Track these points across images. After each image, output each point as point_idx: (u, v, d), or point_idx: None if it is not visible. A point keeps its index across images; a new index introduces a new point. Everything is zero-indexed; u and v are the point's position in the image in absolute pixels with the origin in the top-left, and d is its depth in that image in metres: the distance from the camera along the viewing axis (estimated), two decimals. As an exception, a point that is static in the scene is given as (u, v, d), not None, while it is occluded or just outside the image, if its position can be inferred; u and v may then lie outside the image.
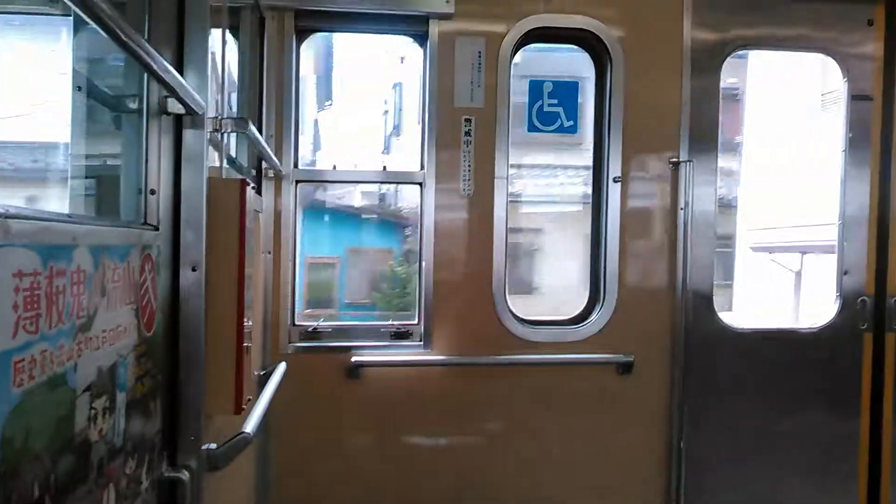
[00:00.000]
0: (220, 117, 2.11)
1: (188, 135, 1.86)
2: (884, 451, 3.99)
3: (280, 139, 3.50)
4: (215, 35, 2.18)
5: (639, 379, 3.76)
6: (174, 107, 1.76)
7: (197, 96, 1.77)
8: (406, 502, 3.67)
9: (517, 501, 3.74)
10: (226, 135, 2.24)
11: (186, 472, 1.83)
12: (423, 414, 3.65)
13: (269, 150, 3.03)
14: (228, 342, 2.04)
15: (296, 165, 3.58)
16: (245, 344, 2.16)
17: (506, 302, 3.68)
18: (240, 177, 2.38)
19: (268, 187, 3.43)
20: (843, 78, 4.00)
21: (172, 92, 1.64)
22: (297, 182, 3.58)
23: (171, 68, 1.53)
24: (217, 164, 2.21)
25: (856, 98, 3.97)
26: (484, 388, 3.71)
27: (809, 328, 4.05)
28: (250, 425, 2.20)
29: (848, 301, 3.98)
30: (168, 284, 1.82)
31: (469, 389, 3.69)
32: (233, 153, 2.86)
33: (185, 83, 1.69)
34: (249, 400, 2.27)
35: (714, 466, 3.88)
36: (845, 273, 3.99)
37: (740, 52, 3.99)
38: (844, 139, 4.00)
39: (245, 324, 2.14)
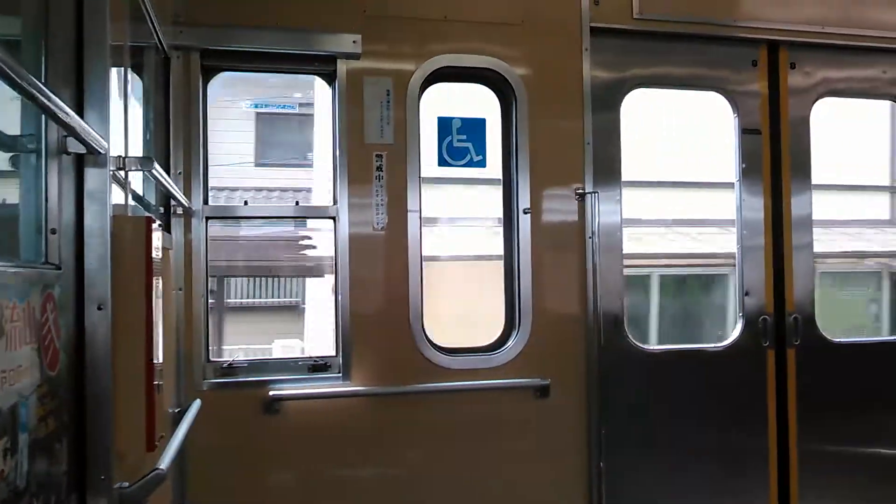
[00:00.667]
0: (123, 156, 2.12)
1: (90, 174, 1.86)
2: (791, 462, 4.18)
3: (189, 176, 3.49)
4: (118, 74, 2.19)
5: (556, 402, 3.84)
6: (74, 146, 1.76)
7: (97, 136, 1.78)
8: None
9: None
10: (131, 173, 2.25)
11: None
12: (344, 446, 3.65)
13: (175, 188, 3.02)
14: (137, 380, 2.03)
15: (206, 202, 3.57)
16: (156, 382, 2.15)
17: (423, 331, 3.73)
18: (146, 214, 2.38)
19: (177, 224, 3.41)
20: (734, 114, 4.25)
21: (72, 132, 1.65)
22: (208, 218, 3.57)
23: (68, 109, 1.54)
24: (122, 202, 2.21)
25: (746, 132, 4.23)
26: (404, 417, 3.73)
27: (715, 347, 4.23)
28: (164, 462, 2.18)
29: (750, 320, 4.19)
30: (73, 323, 1.81)
31: (389, 419, 3.71)
32: (140, 191, 2.84)
33: (84, 123, 1.70)
34: (162, 437, 2.25)
35: (632, 485, 3.98)
36: (746, 294, 4.20)
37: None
38: (738, 170, 4.24)
39: (156, 361, 2.13)
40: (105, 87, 1.91)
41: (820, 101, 4.35)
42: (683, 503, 4.07)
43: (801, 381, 4.20)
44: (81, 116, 1.82)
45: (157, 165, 2.30)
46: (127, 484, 1.99)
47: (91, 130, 1.74)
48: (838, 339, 4.35)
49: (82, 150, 1.78)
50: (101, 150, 1.82)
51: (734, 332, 4.21)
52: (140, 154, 2.73)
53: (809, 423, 4.21)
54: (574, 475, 3.88)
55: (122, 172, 2.14)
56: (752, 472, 4.16)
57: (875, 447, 4.36)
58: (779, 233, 4.24)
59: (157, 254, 2.16)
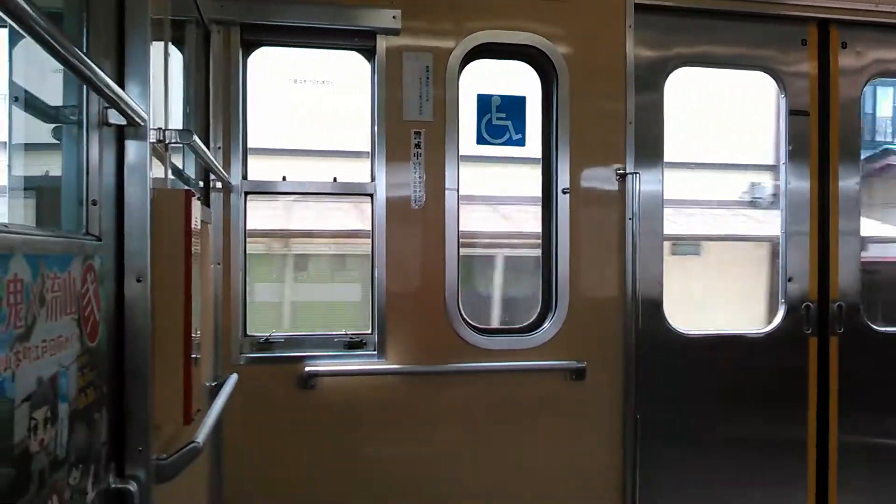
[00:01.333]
0: (163, 129, 2.12)
1: (130, 146, 1.86)
2: (830, 452, 4.12)
3: (228, 151, 3.51)
4: (158, 47, 2.19)
5: (591, 385, 3.82)
6: (115, 118, 1.76)
7: (138, 107, 1.78)
8: None
9: None
10: (172, 146, 2.25)
11: (134, 484, 1.83)
12: (378, 423, 3.66)
13: (215, 162, 3.03)
14: (176, 353, 2.04)
15: (245, 177, 3.59)
16: (194, 355, 2.16)
17: (459, 311, 3.72)
18: (185, 188, 2.38)
19: (216, 199, 3.42)
20: (781, 94, 4.15)
21: (113, 103, 1.65)
22: (246, 193, 3.58)
23: (109, 80, 1.54)
24: (162, 175, 2.21)
25: (793, 113, 4.13)
26: (438, 396, 3.73)
27: (757, 333, 4.16)
28: (201, 435, 2.20)
29: (793, 307, 4.11)
30: (113, 295, 1.82)
31: (423, 398, 3.71)
32: (180, 165, 2.86)
33: (126, 95, 1.70)
34: (199, 410, 2.27)
35: (666, 472, 3.94)
36: (789, 280, 4.12)
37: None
38: (784, 152, 4.14)
39: (193, 334, 2.14)
40: (146, 59, 1.91)
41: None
42: (718, 492, 4.03)
43: (843, 370, 4.12)
44: (122, 88, 1.82)
45: (196, 138, 2.30)
46: (165, 456, 2.01)
47: (132, 102, 1.74)
48: (883, 328, 4.25)
49: (123, 121, 1.78)
50: (142, 122, 1.83)
51: (776, 318, 4.13)
52: (180, 127, 2.74)
53: (851, 413, 4.13)
54: (608, 459, 3.86)
55: (161, 145, 2.14)
56: (790, 462, 4.11)
57: None
58: (825, 218, 4.14)
59: (196, 227, 2.17)
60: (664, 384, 3.94)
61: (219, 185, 3.41)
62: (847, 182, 4.17)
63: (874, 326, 4.21)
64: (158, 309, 1.97)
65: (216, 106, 3.42)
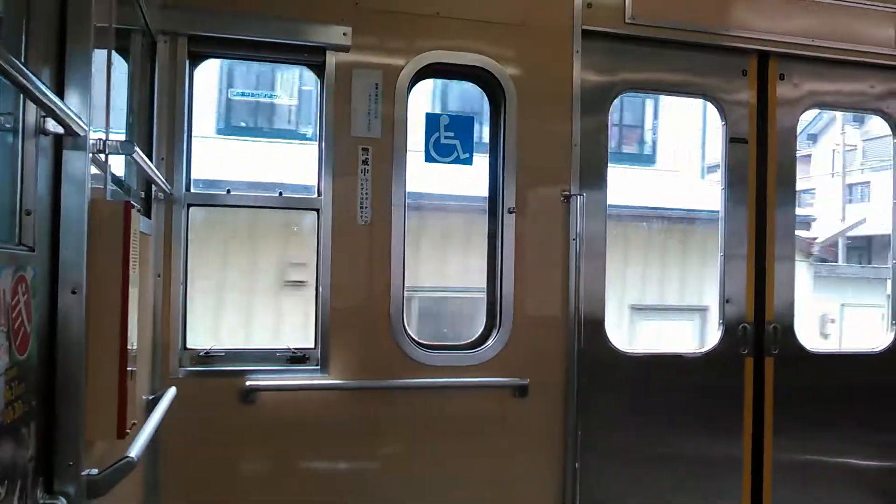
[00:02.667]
0: (104, 139, 2.09)
1: (69, 156, 1.84)
2: (765, 469, 4.21)
3: (171, 162, 3.46)
4: (101, 55, 2.16)
5: (534, 402, 3.85)
6: (53, 127, 1.74)
7: (76, 117, 1.75)
8: None
9: None
10: (112, 157, 2.22)
11: (63, 499, 1.79)
12: (320, 439, 3.63)
13: (157, 173, 2.99)
14: (111, 366, 2.00)
15: (188, 189, 3.54)
16: (130, 368, 2.12)
17: (403, 326, 3.72)
18: (125, 199, 2.35)
19: (158, 210, 3.38)
20: (722, 122, 4.27)
21: (50, 112, 1.62)
22: (189, 205, 3.54)
23: (45, 89, 1.52)
24: (101, 185, 2.18)
25: (733, 140, 4.25)
26: (382, 412, 3.72)
27: (695, 353, 4.25)
28: (135, 450, 2.15)
29: (730, 328, 4.21)
30: (46, 306, 1.78)
31: (367, 413, 3.70)
32: (122, 174, 2.81)
33: (63, 104, 1.67)
34: (134, 424, 2.22)
35: (606, 489, 3.99)
36: (727, 301, 4.22)
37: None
38: (724, 179, 4.26)
39: (130, 347, 2.11)
40: (87, 68, 1.89)
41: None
42: None
43: (777, 390, 4.23)
44: (62, 97, 1.79)
45: (138, 149, 2.27)
46: (96, 471, 1.96)
47: (70, 111, 1.71)
48: (816, 349, 4.38)
49: (61, 130, 1.75)
50: (81, 132, 1.80)
51: (714, 339, 4.22)
52: (122, 138, 2.70)
53: (785, 431, 4.24)
54: (549, 475, 3.89)
55: (102, 155, 2.11)
56: (726, 478, 4.19)
57: (848, 458, 4.40)
58: (762, 241, 4.26)
59: (135, 239, 2.14)
60: (605, 402, 3.99)
61: (161, 195, 3.37)
62: (783, 208, 4.30)
63: (807, 348, 4.33)
64: (94, 321, 1.93)
65: (161, 117, 3.37)
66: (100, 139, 2.07)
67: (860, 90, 4.48)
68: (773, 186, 4.27)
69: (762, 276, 4.27)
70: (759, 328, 4.24)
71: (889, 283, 4.59)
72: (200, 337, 3.67)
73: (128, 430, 2.05)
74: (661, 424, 4.11)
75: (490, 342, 3.86)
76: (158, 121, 3.35)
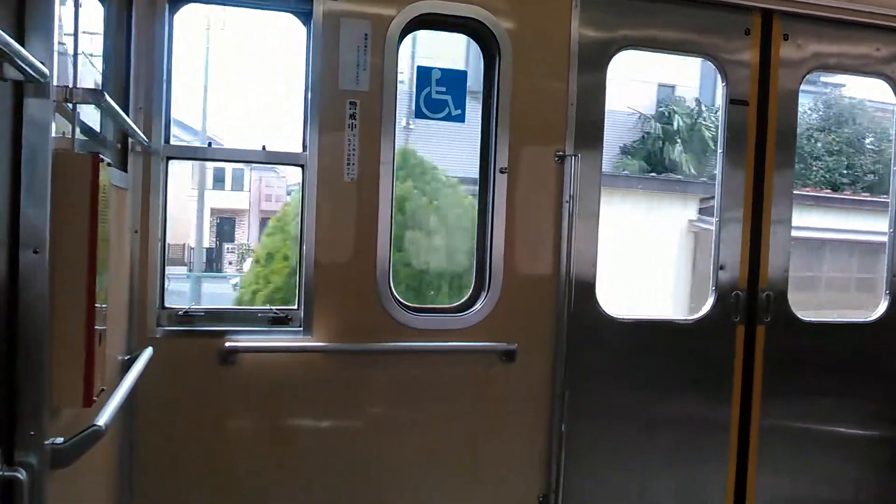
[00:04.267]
0: (70, 87, 1.95)
1: (30, 104, 1.70)
2: (752, 436, 4.20)
3: (150, 113, 3.31)
4: None
5: (521, 367, 3.79)
6: (11, 73, 1.60)
7: (38, 63, 1.61)
8: (284, 493, 3.56)
9: (400, 488, 3.71)
10: (84, 106, 2.08)
11: (23, 471, 1.68)
12: (302, 402, 3.56)
13: (132, 124, 2.85)
14: (77, 330, 1.89)
15: (167, 141, 3.40)
16: (100, 327, 2.01)
17: (390, 288, 3.63)
18: (93, 151, 2.21)
19: (135, 163, 3.23)
20: (723, 82, 4.15)
21: (5, 56, 1.48)
22: (168, 158, 3.40)
23: (1, 32, 1.38)
24: (69, 135, 2.04)
25: (734, 102, 4.13)
26: (366, 375, 3.65)
27: (686, 319, 4.20)
28: (104, 417, 2.06)
29: (723, 294, 4.14)
30: (6, 267, 1.66)
31: (351, 376, 3.62)
32: (97, 126, 2.67)
33: (22, 48, 1.53)
34: (103, 390, 2.12)
35: (593, 451, 3.97)
36: (721, 268, 4.15)
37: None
38: (722, 141, 4.15)
39: (99, 307, 2.00)
40: (49, 10, 1.74)
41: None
42: (643, 469, 4.08)
43: (768, 358, 4.19)
44: (21, 40, 1.65)
45: (109, 99, 2.13)
46: (61, 440, 1.86)
47: (29, 56, 1.57)
48: (808, 318, 4.32)
49: (20, 77, 1.61)
50: (43, 79, 1.66)
51: (706, 305, 4.15)
52: (97, 85, 2.56)
53: (773, 398, 4.21)
54: (535, 438, 3.85)
55: (68, 104, 1.97)
56: (713, 443, 4.18)
57: (834, 426, 4.39)
58: (759, 207, 4.17)
59: (104, 193, 2.01)
60: (594, 366, 3.94)
61: (138, 148, 3.22)
62: (782, 173, 4.20)
63: (800, 316, 4.28)
64: (58, 283, 1.82)
65: (138, 65, 3.21)
66: (65, 87, 1.93)
67: (865, 53, 4.35)
68: (772, 150, 4.17)
69: (757, 242, 4.18)
70: (751, 295, 4.17)
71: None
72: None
73: (95, 398, 1.95)
74: (651, 390, 4.08)
75: (478, 305, 3.77)
76: (136, 69, 3.19)
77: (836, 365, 4.35)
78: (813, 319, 4.35)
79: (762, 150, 4.16)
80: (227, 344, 3.41)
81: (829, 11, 4.17)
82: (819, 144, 8.64)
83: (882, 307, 4.44)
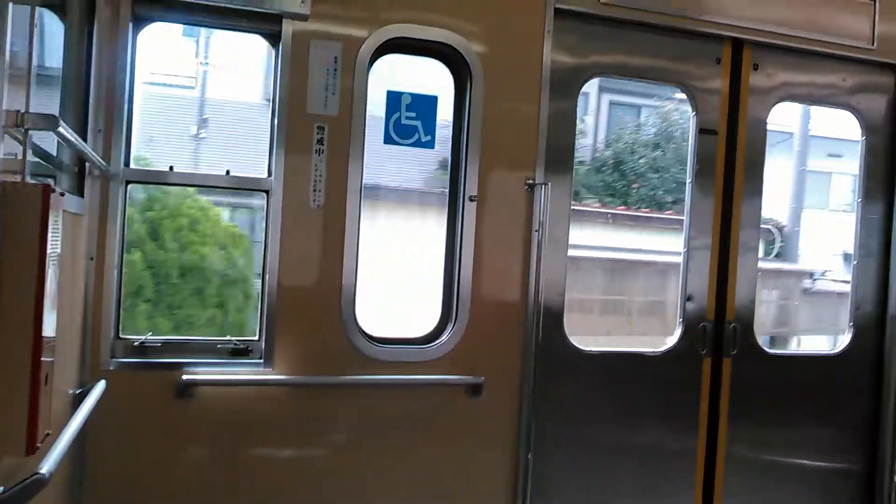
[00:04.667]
0: (21, 112, 1.84)
1: None
2: (718, 465, 4.18)
3: (109, 136, 3.18)
4: (23, 13, 1.90)
5: (488, 399, 3.71)
6: None
7: None
8: None
9: None
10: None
11: None
12: (263, 436, 3.44)
13: (89, 149, 2.73)
14: (20, 373, 1.77)
15: (127, 164, 3.27)
16: (47, 359, 1.89)
17: (355, 319, 3.53)
18: (45, 178, 2.10)
19: (93, 187, 3.10)
20: (693, 112, 4.16)
21: None
22: (128, 182, 3.27)
23: None
24: (20, 159, 1.93)
25: (703, 132, 4.13)
26: (329, 408, 3.54)
27: (654, 352, 4.16)
28: (48, 464, 1.93)
29: (690, 326, 4.13)
30: None
31: (314, 410, 3.51)
32: (53, 148, 2.56)
33: None
34: (48, 435, 1.99)
35: (561, 483, 3.91)
36: (688, 299, 4.12)
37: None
38: (691, 170, 4.14)
39: (48, 337, 1.87)
40: (1, 28, 1.64)
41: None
42: (610, 499, 4.04)
43: (734, 389, 4.19)
44: None
45: (63, 127, 2.02)
46: (0, 489, 1.74)
47: None
48: (774, 351, 4.32)
49: None
50: None
51: (673, 337, 4.13)
52: (53, 109, 2.45)
53: (739, 428, 4.21)
54: (502, 470, 3.77)
55: (18, 130, 1.86)
56: (679, 473, 4.15)
57: (798, 457, 4.40)
58: (727, 238, 4.16)
59: (55, 224, 1.90)
60: (562, 398, 3.89)
61: (97, 172, 3.10)
62: (750, 202, 4.20)
63: (765, 349, 4.29)
64: (3, 318, 1.71)
65: (99, 85, 3.09)
66: (17, 112, 1.82)
67: (832, 83, 4.40)
68: (741, 180, 4.18)
69: (724, 272, 4.17)
70: (718, 327, 4.16)
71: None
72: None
73: (39, 444, 1.83)
74: (617, 422, 4.04)
75: (445, 337, 3.69)
76: (96, 90, 3.07)
77: (801, 396, 4.36)
78: (779, 352, 4.37)
79: (730, 180, 4.17)
80: (185, 377, 3.28)
81: (797, 42, 4.20)
82: (642, 161, 8.46)
83: (846, 339, 4.46)
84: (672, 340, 4.13)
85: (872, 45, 4.33)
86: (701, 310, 4.15)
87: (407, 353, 3.67)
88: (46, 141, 2.49)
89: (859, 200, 4.49)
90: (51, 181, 2.44)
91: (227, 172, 3.40)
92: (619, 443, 4.04)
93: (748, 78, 4.21)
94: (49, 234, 1.83)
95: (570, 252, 3.94)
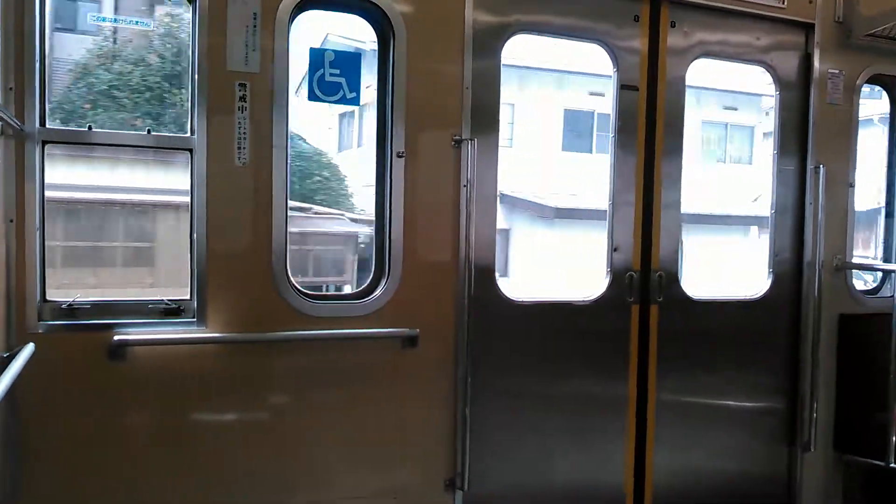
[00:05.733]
0: None
1: None
2: (649, 409, 4.35)
3: (21, 93, 3.11)
4: None
5: (423, 352, 3.78)
6: None
7: None
8: (182, 492, 3.43)
9: (304, 478, 3.64)
10: None
11: None
12: (198, 395, 3.43)
13: None
14: None
15: (42, 124, 3.20)
16: None
17: (287, 276, 3.54)
18: None
19: (7, 147, 3.03)
20: (614, 68, 4.24)
21: None
22: (45, 142, 3.20)
23: None
24: None
25: (624, 88, 4.23)
26: (265, 364, 3.56)
27: (583, 300, 4.27)
28: None
29: (617, 276, 4.25)
30: None
31: (249, 367, 3.52)
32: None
33: None
34: None
35: (496, 435, 4.01)
36: (615, 250, 4.25)
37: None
38: (613, 126, 4.24)
39: None
40: None
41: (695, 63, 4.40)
42: (544, 450, 4.16)
43: (661, 335, 4.34)
44: None
45: None
46: None
47: None
48: (698, 297, 4.48)
49: None
50: None
51: (602, 286, 4.24)
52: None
53: (668, 374, 4.37)
54: (439, 422, 3.85)
55: None
56: (613, 419, 4.30)
57: (725, 399, 4.59)
58: (649, 190, 4.29)
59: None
60: (496, 349, 3.98)
61: (10, 132, 3.02)
62: (671, 157, 4.33)
63: (690, 295, 4.43)
64: None
65: (7, 39, 3.00)
66: None
67: (746, 41, 4.55)
68: (661, 134, 4.29)
69: (649, 224, 4.30)
70: (644, 276, 4.29)
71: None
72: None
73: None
74: (550, 370, 4.15)
75: (378, 292, 3.73)
76: (5, 44, 2.99)
77: (725, 340, 4.54)
78: (703, 298, 4.51)
79: (651, 135, 4.29)
80: (116, 338, 3.25)
81: (713, 0, 4.32)
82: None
83: (766, 285, 4.65)
84: (601, 289, 4.25)
85: (783, 4, 4.49)
86: (627, 260, 4.28)
87: (341, 308, 3.71)
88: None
89: (775, 153, 4.67)
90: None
91: (149, 132, 3.36)
92: (552, 391, 4.15)
93: (666, 36, 4.32)
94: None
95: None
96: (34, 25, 3.14)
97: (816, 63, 4.61)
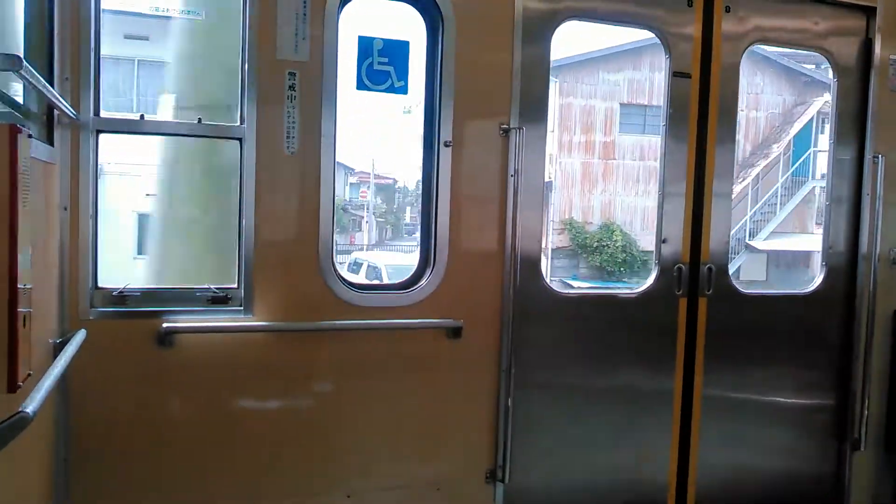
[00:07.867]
0: None
1: None
2: (694, 404, 4.27)
3: (77, 84, 3.13)
4: None
5: (468, 342, 3.76)
6: None
7: None
8: (229, 478, 3.48)
9: (344, 468, 3.66)
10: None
11: None
12: (244, 383, 3.47)
13: (55, 93, 2.69)
14: None
15: (97, 113, 3.22)
16: (24, 309, 1.90)
17: (333, 265, 3.55)
18: (11, 123, 2.07)
19: (63, 136, 3.07)
20: (666, 55, 4.15)
21: None
22: (99, 132, 3.24)
23: None
24: None
25: (676, 75, 4.13)
26: (308, 354, 3.57)
27: (630, 293, 4.22)
28: (32, 404, 1.94)
29: (665, 268, 4.18)
30: None
31: (293, 356, 3.54)
32: (19, 96, 2.52)
33: None
34: (30, 375, 2.01)
35: (540, 425, 3.98)
36: (664, 241, 4.17)
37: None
38: (665, 114, 4.15)
39: (21, 287, 1.88)
40: None
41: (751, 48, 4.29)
42: (588, 442, 4.12)
43: (709, 329, 4.25)
44: None
45: (27, 66, 1.99)
46: None
47: None
48: (747, 290, 4.39)
49: None
50: None
51: (649, 278, 4.19)
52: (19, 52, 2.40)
53: (714, 368, 4.28)
54: (482, 413, 3.84)
55: None
56: (657, 413, 4.24)
57: (772, 395, 4.49)
58: (701, 181, 4.20)
59: (26, 166, 1.89)
60: (540, 341, 3.94)
61: (66, 121, 3.06)
62: (724, 146, 4.23)
63: (740, 289, 4.34)
64: None
65: (63, 31, 3.03)
66: None
67: (804, 27, 4.40)
68: (714, 123, 4.19)
69: (699, 216, 4.22)
70: (694, 269, 4.22)
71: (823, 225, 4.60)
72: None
73: (21, 383, 1.84)
74: (595, 363, 4.11)
75: (423, 282, 3.72)
76: (61, 36, 3.01)
77: (775, 335, 4.44)
78: (753, 292, 4.42)
79: (704, 124, 4.19)
80: (165, 325, 3.29)
81: None
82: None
83: (819, 279, 4.54)
84: (649, 281, 4.19)
85: None
86: (676, 252, 4.20)
87: (386, 299, 3.71)
88: (14, 93, 2.46)
89: (832, 142, 4.53)
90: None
91: (199, 121, 3.37)
92: (596, 384, 4.11)
93: (720, 21, 4.20)
94: (19, 176, 1.82)
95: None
96: (92, 17, 3.16)
97: (878, 49, 4.44)
